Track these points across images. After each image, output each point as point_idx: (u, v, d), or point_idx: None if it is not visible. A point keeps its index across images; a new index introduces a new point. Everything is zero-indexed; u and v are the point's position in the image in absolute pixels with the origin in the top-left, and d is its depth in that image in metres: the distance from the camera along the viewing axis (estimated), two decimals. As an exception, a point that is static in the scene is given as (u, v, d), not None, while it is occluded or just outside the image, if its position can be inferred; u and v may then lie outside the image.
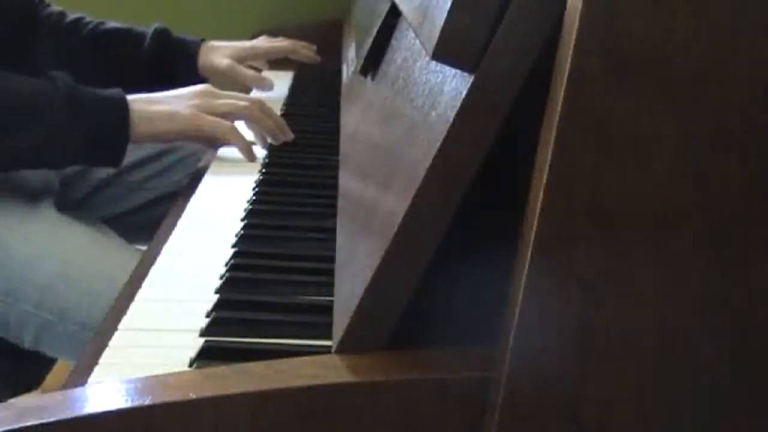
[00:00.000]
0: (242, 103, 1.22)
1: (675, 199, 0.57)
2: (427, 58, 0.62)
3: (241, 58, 1.52)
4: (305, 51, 1.64)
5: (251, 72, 1.53)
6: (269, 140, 1.28)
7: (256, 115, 1.24)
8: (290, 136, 1.28)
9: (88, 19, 1.50)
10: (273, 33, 1.85)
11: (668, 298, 0.58)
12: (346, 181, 0.98)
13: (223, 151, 1.30)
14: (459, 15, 0.59)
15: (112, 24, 1.50)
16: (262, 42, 1.61)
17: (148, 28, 1.49)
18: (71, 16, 1.48)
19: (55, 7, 1.48)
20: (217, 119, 1.18)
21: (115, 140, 1.13)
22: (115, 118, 1.13)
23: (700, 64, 0.55)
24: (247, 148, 1.23)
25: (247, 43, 1.58)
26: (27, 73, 1.24)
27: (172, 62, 1.48)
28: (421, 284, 0.63)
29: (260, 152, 1.30)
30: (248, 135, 1.28)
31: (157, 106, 1.16)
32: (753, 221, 0.58)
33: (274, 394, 0.60)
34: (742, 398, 0.61)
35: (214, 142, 1.27)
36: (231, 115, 1.21)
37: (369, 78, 1.05)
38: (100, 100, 1.13)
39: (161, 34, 1.49)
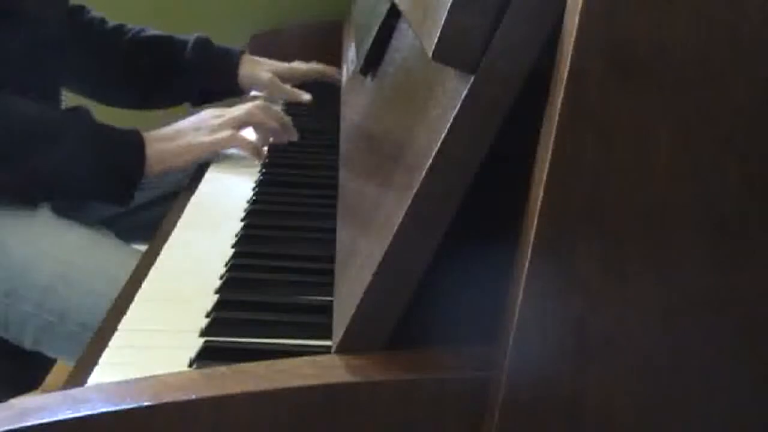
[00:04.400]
0: (239, 112, 1.23)
1: (674, 199, 0.57)
2: (427, 58, 0.62)
3: (281, 75, 1.54)
4: (335, 75, 1.65)
5: (291, 88, 1.54)
6: (271, 140, 1.29)
7: (258, 118, 1.25)
8: (294, 135, 1.29)
9: (130, 26, 1.51)
10: (273, 34, 1.86)
11: (667, 298, 0.58)
12: (346, 181, 0.98)
13: (223, 151, 1.31)
14: (459, 15, 0.59)
15: (153, 31, 1.51)
16: (299, 65, 1.62)
17: (189, 36, 1.51)
18: (112, 22, 1.49)
19: (96, 13, 1.49)
20: (215, 137, 1.20)
21: (129, 178, 1.15)
22: (132, 156, 1.15)
23: (700, 64, 0.55)
24: (252, 149, 1.23)
25: (285, 64, 1.60)
26: (66, 78, 1.26)
27: (213, 71, 1.50)
28: (421, 284, 0.63)
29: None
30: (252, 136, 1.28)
31: (167, 143, 1.18)
32: (752, 221, 0.58)
33: (274, 394, 0.60)
34: (742, 398, 0.61)
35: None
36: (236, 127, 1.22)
37: (369, 78, 1.05)
38: (118, 137, 1.15)
39: (203, 43, 1.50)
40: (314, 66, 1.63)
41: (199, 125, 1.21)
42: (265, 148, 1.29)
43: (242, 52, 1.54)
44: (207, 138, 1.19)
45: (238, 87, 1.52)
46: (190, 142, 1.19)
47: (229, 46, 1.55)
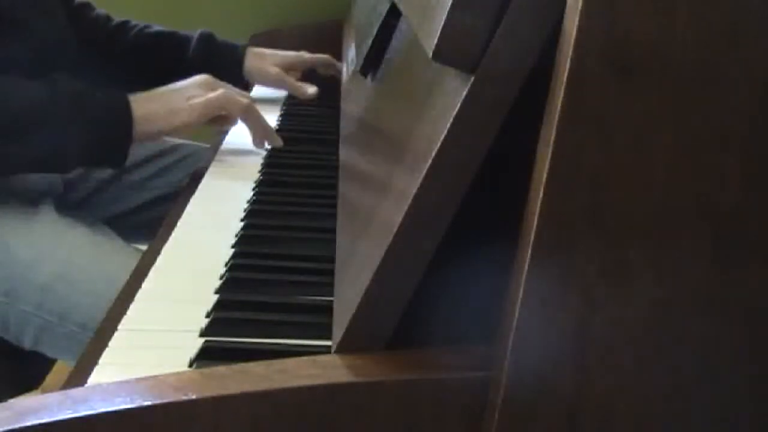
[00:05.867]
0: (241, 98, 1.23)
1: (675, 200, 0.57)
2: (427, 58, 0.62)
3: (287, 67, 1.54)
4: (339, 67, 1.65)
5: (298, 82, 1.54)
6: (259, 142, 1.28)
7: (255, 114, 1.25)
8: (279, 142, 1.29)
9: (134, 22, 1.51)
10: (273, 33, 1.86)
11: (667, 298, 0.58)
12: (346, 181, 0.98)
13: (224, 151, 1.31)
14: (459, 15, 0.59)
15: (157, 27, 1.51)
16: (304, 54, 1.62)
17: (192, 33, 1.51)
18: (117, 19, 1.50)
19: (101, 11, 1.49)
20: (206, 98, 1.19)
21: (119, 140, 1.15)
22: (119, 118, 1.14)
23: (700, 64, 0.55)
24: (244, 109, 1.23)
25: (290, 53, 1.60)
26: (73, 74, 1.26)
27: (218, 66, 1.49)
28: (421, 284, 0.63)
29: (261, 151, 1.30)
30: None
31: (155, 104, 1.17)
32: (752, 221, 0.58)
33: (274, 394, 0.60)
34: (742, 398, 0.61)
35: (222, 125, 1.27)
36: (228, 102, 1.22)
37: (369, 78, 1.05)
38: (102, 101, 1.14)
39: (207, 39, 1.50)
40: (320, 56, 1.63)
41: (191, 90, 1.20)
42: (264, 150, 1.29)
43: (246, 46, 1.54)
44: (197, 100, 1.19)
45: (244, 80, 1.52)
46: (181, 105, 1.18)
47: (233, 41, 1.55)
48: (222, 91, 1.20)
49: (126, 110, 1.14)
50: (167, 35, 1.51)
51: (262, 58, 1.53)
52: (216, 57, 1.50)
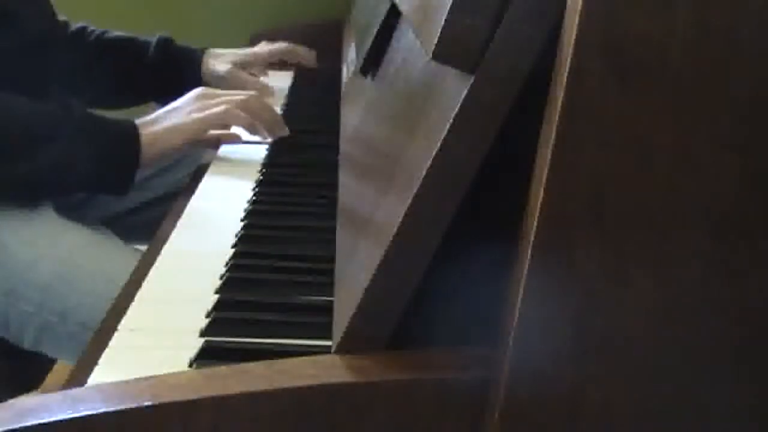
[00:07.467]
0: (237, 96, 1.23)
1: (675, 199, 0.57)
2: (427, 58, 0.62)
3: (242, 64, 1.53)
4: (303, 52, 1.64)
5: (252, 78, 1.54)
6: (266, 135, 1.28)
7: (254, 107, 1.24)
8: (285, 130, 1.29)
9: (92, 27, 1.51)
10: (273, 33, 1.85)
11: (668, 298, 0.58)
12: (346, 181, 0.98)
13: (223, 151, 1.31)
14: (459, 15, 0.59)
15: (115, 33, 1.51)
16: (261, 47, 1.61)
17: (151, 37, 1.50)
18: (75, 25, 1.49)
19: (60, 17, 1.49)
20: (211, 111, 1.19)
21: (126, 168, 1.15)
22: (127, 145, 1.15)
23: (700, 64, 0.55)
24: (248, 124, 1.23)
25: (248, 50, 1.59)
26: (55, 77, 1.26)
27: (176, 70, 1.49)
28: (421, 284, 0.63)
29: (261, 151, 1.30)
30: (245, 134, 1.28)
31: (159, 125, 1.17)
32: (753, 221, 0.58)
33: (274, 394, 0.60)
34: (742, 399, 0.61)
35: (220, 142, 1.27)
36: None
37: (369, 78, 1.05)
38: (111, 128, 1.15)
39: (165, 43, 1.50)
40: (279, 46, 1.62)
41: (192, 105, 1.20)
42: (263, 150, 1.29)
43: (205, 50, 1.54)
44: (199, 115, 1.19)
45: (202, 83, 1.51)
46: (182, 120, 1.18)
47: (192, 46, 1.55)
48: (224, 107, 1.20)
49: (134, 138, 1.15)
50: (126, 40, 1.51)
51: (216, 58, 1.52)
52: (173, 61, 1.50)
